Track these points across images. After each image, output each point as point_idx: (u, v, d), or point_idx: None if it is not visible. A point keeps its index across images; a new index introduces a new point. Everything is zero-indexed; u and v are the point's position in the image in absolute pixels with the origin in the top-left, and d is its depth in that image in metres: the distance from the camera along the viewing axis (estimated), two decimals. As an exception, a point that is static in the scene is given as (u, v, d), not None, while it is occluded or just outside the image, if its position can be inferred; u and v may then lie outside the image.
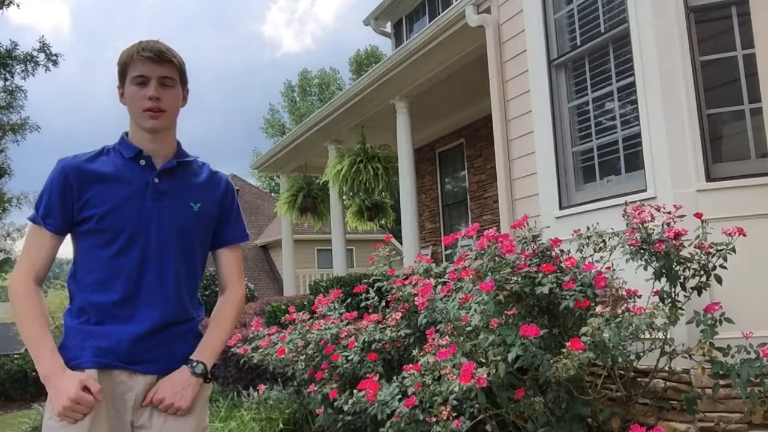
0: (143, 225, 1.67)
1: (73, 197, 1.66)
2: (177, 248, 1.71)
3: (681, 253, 3.00)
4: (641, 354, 3.06)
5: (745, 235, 2.95)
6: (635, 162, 3.99)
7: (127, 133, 1.77)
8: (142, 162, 1.72)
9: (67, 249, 1.78)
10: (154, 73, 1.66)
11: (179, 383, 1.67)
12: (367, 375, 3.51)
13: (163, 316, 1.67)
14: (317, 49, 78.99)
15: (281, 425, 4.66)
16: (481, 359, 2.96)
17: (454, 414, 2.74)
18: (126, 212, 1.66)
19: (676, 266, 3.01)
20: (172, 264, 1.70)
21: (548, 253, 3.19)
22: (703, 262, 3.02)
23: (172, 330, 1.70)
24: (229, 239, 1.88)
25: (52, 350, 1.58)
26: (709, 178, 3.57)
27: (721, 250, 2.98)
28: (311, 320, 4.38)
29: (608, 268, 3.14)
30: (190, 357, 1.72)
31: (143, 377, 1.65)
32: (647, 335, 2.89)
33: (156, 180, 1.71)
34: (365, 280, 4.59)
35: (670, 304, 2.99)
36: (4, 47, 16.49)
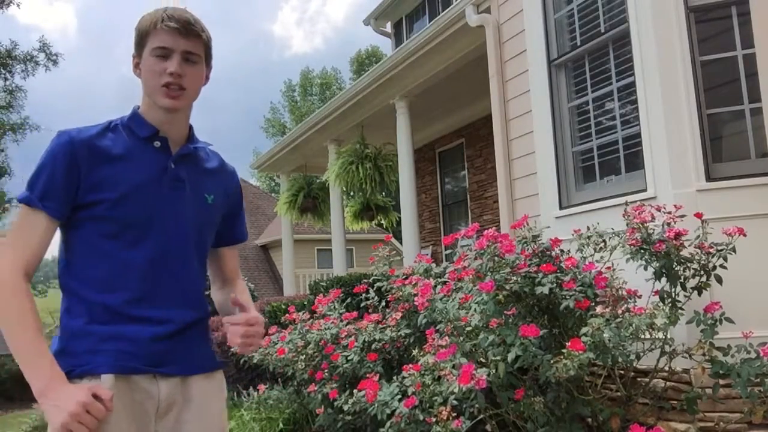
0: (160, 215, 1.48)
1: (79, 177, 1.43)
2: (193, 242, 1.55)
3: (681, 253, 3.00)
4: (641, 354, 3.06)
5: (745, 235, 2.95)
6: (635, 162, 3.99)
7: (137, 108, 1.56)
8: (157, 144, 1.52)
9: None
10: (178, 46, 1.47)
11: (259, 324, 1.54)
12: (367, 375, 3.51)
13: (184, 318, 1.51)
14: (327, 49, 79.06)
15: (281, 425, 4.65)
16: (481, 359, 2.96)
17: (454, 414, 2.74)
18: (142, 199, 1.46)
19: (676, 266, 3.01)
20: (189, 259, 1.54)
21: (548, 253, 3.19)
22: (703, 262, 3.02)
23: (193, 330, 1.55)
24: (236, 237, 1.76)
25: (51, 361, 1.36)
26: (709, 178, 3.57)
27: (721, 250, 2.98)
28: (311, 320, 4.38)
29: (608, 268, 3.14)
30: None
31: (165, 382, 1.47)
32: (647, 335, 2.89)
33: (173, 165, 1.53)
34: (365, 280, 4.59)
35: (670, 304, 3.00)
36: (4, 47, 16.49)
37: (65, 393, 1.31)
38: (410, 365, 3.08)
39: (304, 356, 4.12)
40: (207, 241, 1.63)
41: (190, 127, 1.62)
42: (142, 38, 1.50)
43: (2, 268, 1.40)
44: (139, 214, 1.46)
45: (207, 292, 1.65)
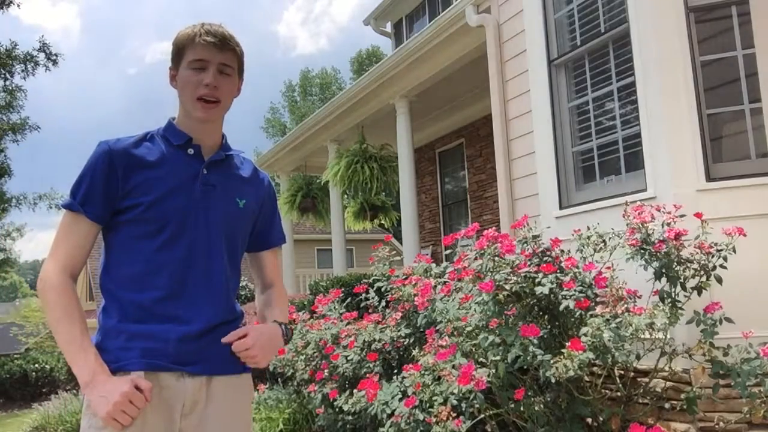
0: (191, 217, 1.55)
1: (118, 183, 1.51)
2: (223, 244, 1.60)
3: (681, 253, 3.00)
4: (641, 354, 3.06)
5: (745, 235, 2.94)
6: (635, 162, 3.99)
7: (173, 119, 1.66)
8: (191, 151, 1.61)
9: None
10: (214, 59, 1.56)
11: (269, 336, 1.62)
12: (367, 375, 3.52)
13: (211, 317, 1.56)
14: (331, 50, 78.77)
15: (281, 425, 4.66)
16: (481, 359, 2.97)
17: (454, 414, 2.74)
18: (174, 202, 1.54)
19: (676, 266, 3.01)
20: (218, 260, 1.59)
21: (548, 253, 3.19)
22: (703, 262, 3.02)
23: (221, 330, 1.58)
24: (274, 241, 1.82)
25: (96, 354, 1.45)
26: (709, 178, 3.57)
27: (721, 250, 2.98)
28: (311, 320, 4.38)
29: (608, 268, 3.14)
30: (275, 319, 1.68)
31: (192, 380, 1.52)
32: (647, 335, 2.89)
33: (205, 171, 1.60)
34: (365, 280, 4.59)
35: (670, 304, 2.99)
36: (4, 47, 16.47)
37: (110, 384, 1.41)
38: (410, 365, 3.08)
39: (304, 356, 4.13)
40: (239, 244, 1.69)
41: (223, 135, 1.70)
42: (179, 52, 1.59)
43: (48, 270, 1.50)
44: (171, 217, 1.53)
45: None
